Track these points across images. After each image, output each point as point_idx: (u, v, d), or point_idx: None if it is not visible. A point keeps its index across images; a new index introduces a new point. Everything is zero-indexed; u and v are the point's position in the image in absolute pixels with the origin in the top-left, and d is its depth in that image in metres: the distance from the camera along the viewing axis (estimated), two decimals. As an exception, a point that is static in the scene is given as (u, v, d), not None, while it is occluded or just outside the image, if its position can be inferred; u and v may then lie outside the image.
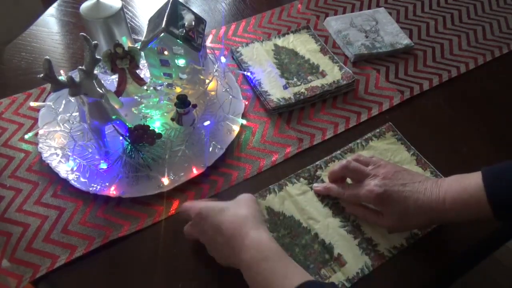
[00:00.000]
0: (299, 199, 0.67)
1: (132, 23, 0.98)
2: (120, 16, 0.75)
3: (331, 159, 0.72)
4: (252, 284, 0.51)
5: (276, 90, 0.81)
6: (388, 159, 0.72)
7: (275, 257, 0.51)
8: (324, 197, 0.67)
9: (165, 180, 0.67)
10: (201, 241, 0.59)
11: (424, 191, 0.57)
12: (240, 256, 0.52)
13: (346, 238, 0.62)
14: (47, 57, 0.56)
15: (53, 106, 0.76)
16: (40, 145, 0.72)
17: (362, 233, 0.63)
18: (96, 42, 0.61)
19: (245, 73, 0.85)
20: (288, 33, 0.93)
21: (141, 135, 0.67)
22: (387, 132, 0.76)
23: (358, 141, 0.75)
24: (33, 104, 0.77)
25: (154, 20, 0.73)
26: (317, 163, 0.71)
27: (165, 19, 0.69)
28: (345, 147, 0.74)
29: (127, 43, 0.76)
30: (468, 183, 0.55)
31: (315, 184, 0.68)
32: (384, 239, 0.62)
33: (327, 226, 0.63)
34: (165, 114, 0.75)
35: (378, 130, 0.76)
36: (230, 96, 0.78)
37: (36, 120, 0.77)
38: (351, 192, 0.63)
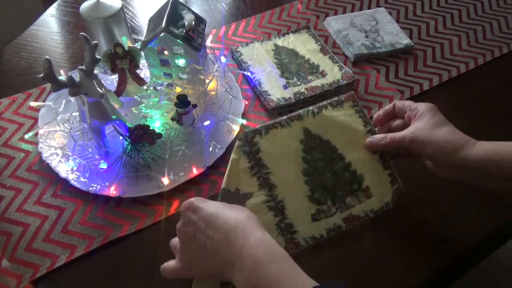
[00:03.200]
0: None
1: (132, 23, 0.98)
2: (120, 16, 0.75)
3: (273, 125, 0.63)
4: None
5: (276, 90, 0.81)
6: (339, 134, 0.64)
7: (285, 260, 0.46)
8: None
9: (165, 180, 0.67)
10: (181, 245, 0.52)
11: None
12: (241, 254, 0.46)
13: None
14: (47, 57, 0.56)
15: (53, 106, 0.76)
16: (40, 145, 0.72)
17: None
18: (96, 42, 0.61)
19: (245, 73, 0.85)
20: (288, 33, 0.93)
21: (141, 135, 0.67)
22: (346, 102, 0.66)
23: (310, 108, 0.65)
24: (33, 104, 0.77)
25: (154, 20, 0.73)
26: (257, 127, 0.62)
27: (165, 19, 0.69)
28: (292, 114, 0.64)
29: (127, 43, 0.76)
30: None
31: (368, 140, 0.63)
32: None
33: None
34: (165, 114, 0.75)
35: (336, 98, 0.66)
36: (230, 96, 0.78)
37: (36, 120, 0.77)
38: (394, 136, 0.60)
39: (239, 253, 0.46)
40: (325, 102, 0.66)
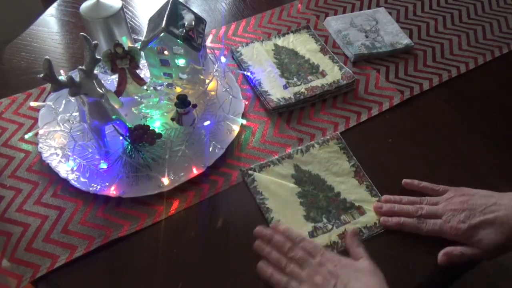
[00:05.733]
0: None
1: (132, 23, 0.98)
2: (120, 16, 0.75)
3: (266, 164, 0.71)
4: None
5: (276, 90, 0.81)
6: (326, 168, 0.71)
7: None
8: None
9: (165, 180, 0.67)
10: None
11: (505, 209, 0.58)
12: None
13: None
14: (47, 57, 0.56)
15: (53, 106, 0.76)
16: (40, 145, 0.72)
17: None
18: (96, 42, 0.61)
19: (245, 73, 0.85)
20: (288, 33, 0.93)
21: (141, 135, 0.67)
22: (331, 140, 0.74)
23: (299, 147, 0.73)
24: (33, 104, 0.77)
25: (154, 20, 0.73)
26: (251, 166, 0.70)
27: (165, 19, 0.69)
28: (283, 154, 0.72)
29: (127, 43, 0.76)
30: None
31: (383, 218, 0.64)
32: None
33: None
34: (165, 114, 0.75)
35: (322, 138, 0.74)
36: (230, 96, 0.78)
37: (36, 120, 0.77)
38: (432, 229, 0.61)
39: None
40: (312, 142, 0.74)
